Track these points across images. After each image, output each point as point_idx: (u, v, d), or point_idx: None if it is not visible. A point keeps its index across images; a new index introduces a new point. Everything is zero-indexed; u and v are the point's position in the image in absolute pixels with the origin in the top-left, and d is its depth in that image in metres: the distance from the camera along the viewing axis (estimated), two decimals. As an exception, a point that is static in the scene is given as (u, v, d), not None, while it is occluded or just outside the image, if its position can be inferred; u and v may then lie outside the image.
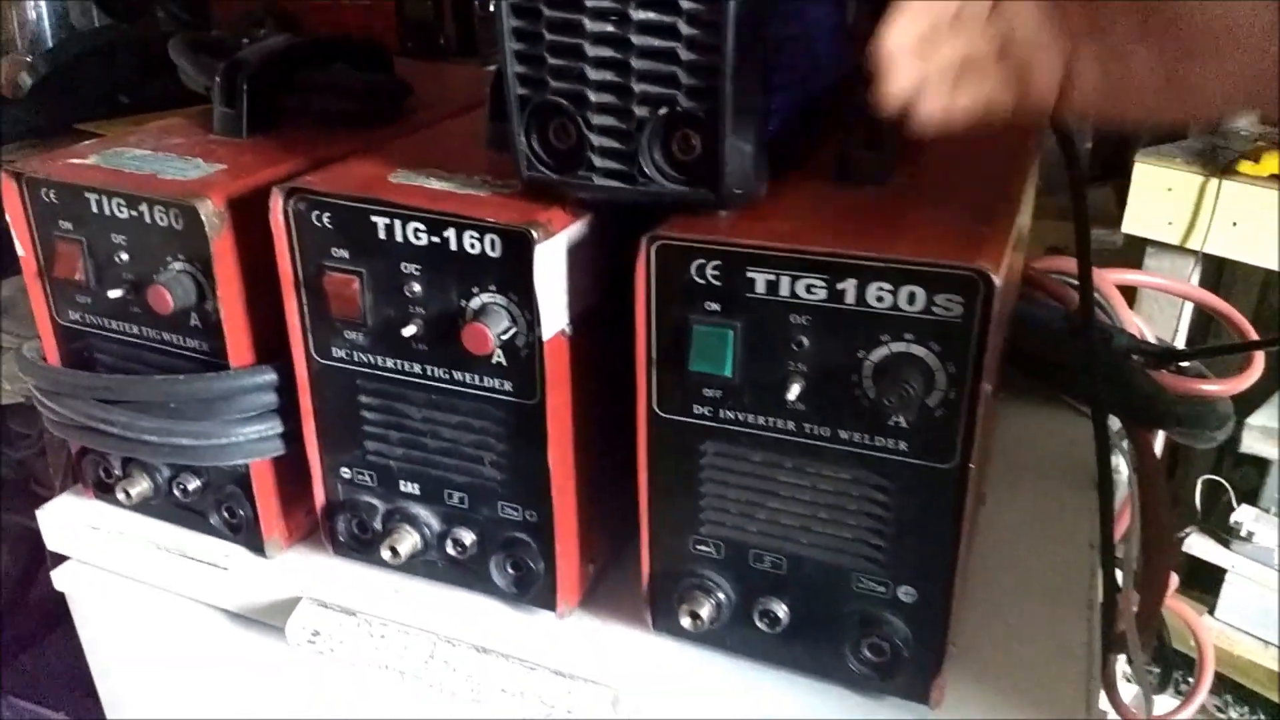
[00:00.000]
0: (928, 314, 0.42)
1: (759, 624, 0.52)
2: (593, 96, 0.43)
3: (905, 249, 0.42)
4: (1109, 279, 0.77)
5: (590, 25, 0.42)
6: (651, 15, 0.41)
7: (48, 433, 1.05)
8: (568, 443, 0.52)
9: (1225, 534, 1.56)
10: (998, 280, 0.39)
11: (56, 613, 1.41)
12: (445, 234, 0.49)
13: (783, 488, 0.49)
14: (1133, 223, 1.43)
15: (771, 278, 0.45)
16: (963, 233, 0.43)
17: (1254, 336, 0.85)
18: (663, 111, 0.43)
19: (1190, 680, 1.44)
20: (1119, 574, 0.68)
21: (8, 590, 1.38)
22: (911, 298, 0.42)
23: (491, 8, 1.50)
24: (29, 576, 1.38)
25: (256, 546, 0.62)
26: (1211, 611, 1.60)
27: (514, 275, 0.48)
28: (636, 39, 0.41)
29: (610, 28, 0.41)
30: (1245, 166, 1.34)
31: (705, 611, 0.52)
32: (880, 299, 0.42)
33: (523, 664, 0.55)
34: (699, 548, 0.52)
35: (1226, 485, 1.57)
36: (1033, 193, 0.61)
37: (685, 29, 0.40)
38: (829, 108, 0.54)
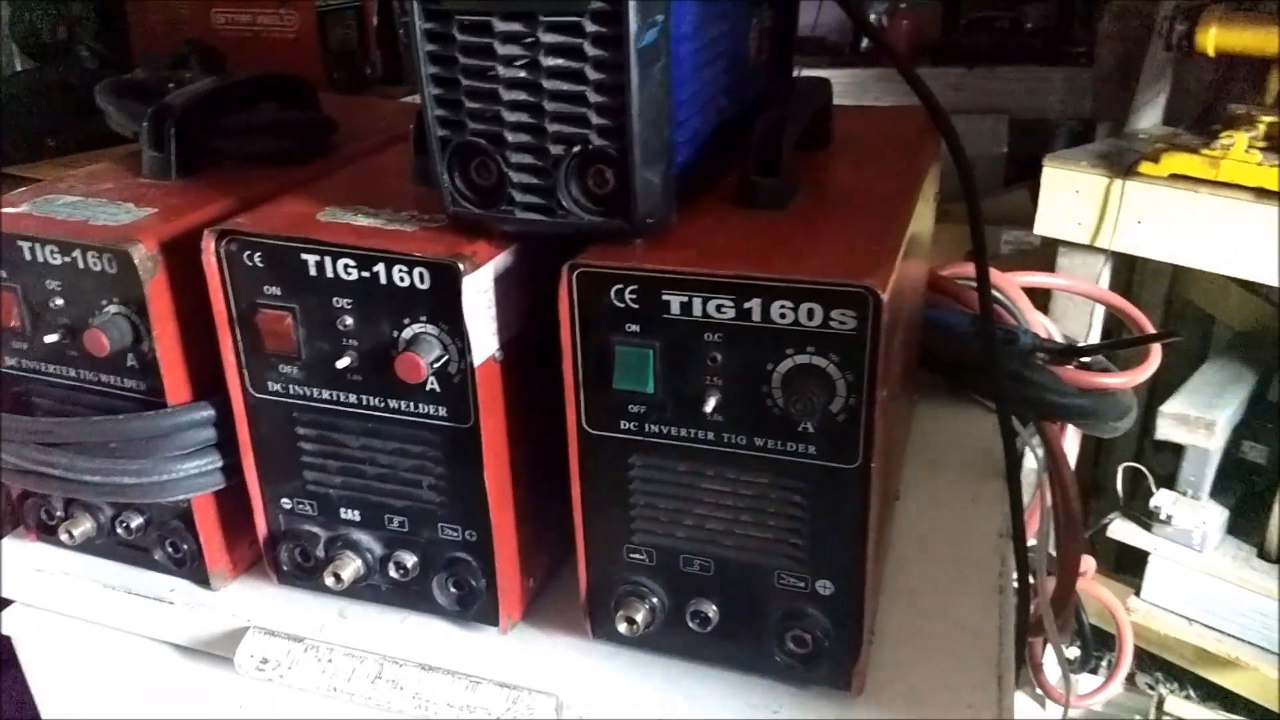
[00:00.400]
0: (825, 328, 0.45)
1: (691, 625, 0.54)
2: (510, 137, 0.46)
3: (803, 269, 0.45)
4: (1012, 281, 0.82)
5: (503, 72, 0.44)
6: (559, 62, 0.44)
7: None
8: (503, 463, 0.55)
9: (1147, 518, 1.63)
10: (885, 296, 0.43)
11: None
12: (375, 269, 0.51)
13: (707, 495, 0.52)
14: (1044, 224, 1.50)
15: (685, 299, 0.48)
16: (855, 252, 0.47)
17: (1152, 330, 0.91)
18: (576, 149, 0.46)
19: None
20: (1031, 560, 0.73)
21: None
22: (810, 314, 0.45)
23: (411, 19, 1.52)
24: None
25: (201, 579, 0.63)
26: (1138, 593, 1.67)
27: (443, 306, 0.50)
28: (547, 84, 0.44)
29: (522, 74, 0.44)
30: (1146, 167, 1.41)
31: (640, 616, 0.54)
32: (783, 316, 0.46)
33: (469, 678, 0.57)
34: (632, 556, 0.55)
35: (1146, 471, 1.64)
36: (931, 205, 0.66)
37: (591, 74, 0.43)
38: (732, 136, 0.58)
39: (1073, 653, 1.47)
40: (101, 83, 0.75)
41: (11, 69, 1.17)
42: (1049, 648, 1.01)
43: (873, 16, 2.43)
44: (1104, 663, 1.61)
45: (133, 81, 0.77)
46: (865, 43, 2.34)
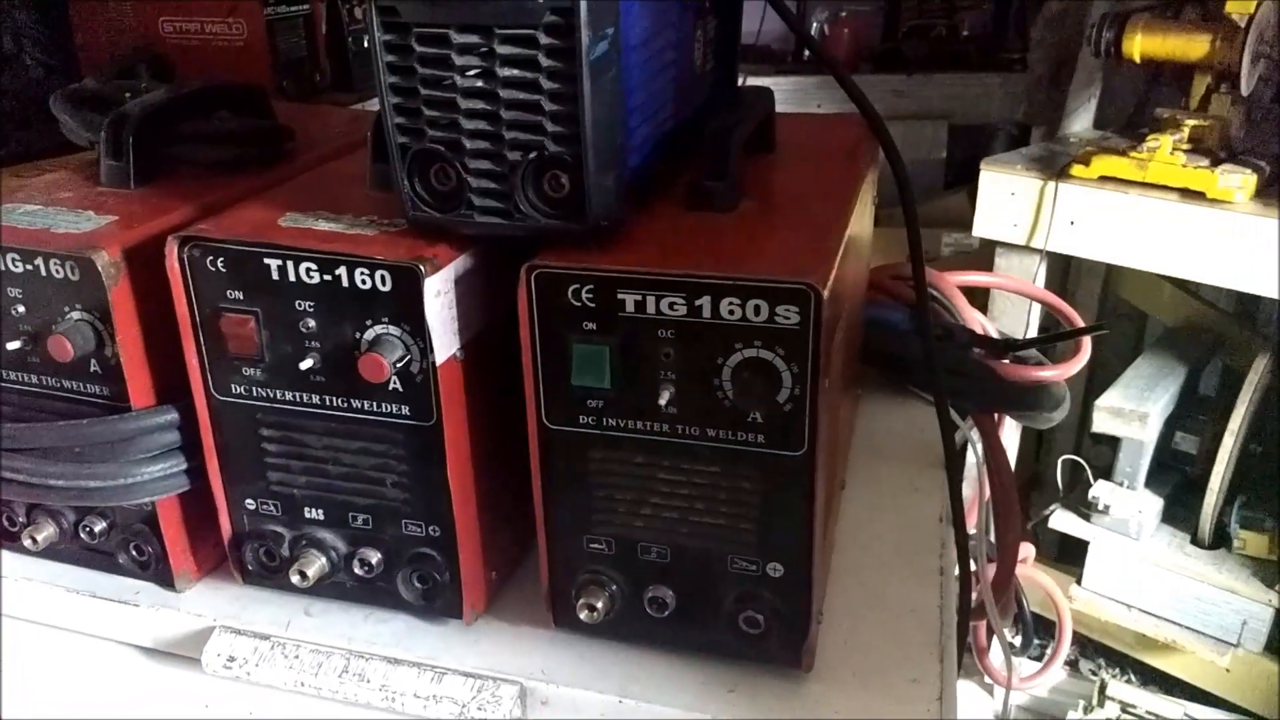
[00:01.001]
0: (771, 323, 0.48)
1: (650, 610, 0.57)
2: (468, 144, 0.48)
3: (750, 268, 0.48)
4: (949, 280, 0.86)
5: (461, 81, 0.46)
6: (515, 72, 0.46)
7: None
8: (465, 460, 0.56)
9: (1086, 508, 1.68)
10: (825, 292, 0.46)
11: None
12: (337, 272, 0.53)
13: (662, 484, 0.54)
14: (982, 226, 1.55)
15: (639, 298, 0.50)
16: (797, 252, 0.50)
17: (1081, 325, 0.95)
18: (532, 155, 0.48)
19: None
20: (971, 547, 0.76)
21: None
22: (757, 310, 0.48)
23: (366, 44, 1.53)
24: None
25: (166, 581, 0.64)
26: (1079, 581, 1.72)
27: (405, 307, 0.52)
28: (503, 93, 0.46)
29: (479, 83, 0.46)
30: (1077, 170, 1.46)
31: (601, 604, 0.56)
32: (732, 312, 0.48)
33: (434, 670, 0.58)
34: (592, 546, 0.57)
35: (1084, 463, 1.70)
36: (870, 208, 0.69)
37: (546, 83, 0.46)
38: (681, 142, 0.60)
39: (1017, 641, 1.52)
40: (56, 92, 0.75)
41: (-45, 79, 1.16)
42: (993, 635, 1.05)
43: (815, 24, 2.49)
44: (1047, 649, 1.67)
45: (88, 90, 0.78)
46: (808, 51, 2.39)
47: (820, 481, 0.51)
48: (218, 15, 1.34)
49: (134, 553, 0.64)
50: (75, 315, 0.58)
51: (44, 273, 0.58)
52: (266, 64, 1.34)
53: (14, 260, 0.58)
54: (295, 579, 0.59)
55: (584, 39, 0.44)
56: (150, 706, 0.67)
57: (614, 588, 0.57)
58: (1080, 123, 1.75)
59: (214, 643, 0.61)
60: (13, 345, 0.60)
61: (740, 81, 0.77)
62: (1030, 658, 1.68)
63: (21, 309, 0.59)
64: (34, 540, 0.64)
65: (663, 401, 0.51)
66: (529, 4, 0.44)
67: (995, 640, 0.96)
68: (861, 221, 0.64)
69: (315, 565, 0.59)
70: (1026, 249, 1.51)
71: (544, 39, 0.45)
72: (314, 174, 0.67)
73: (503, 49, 0.45)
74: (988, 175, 1.53)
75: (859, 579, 0.64)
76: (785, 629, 0.54)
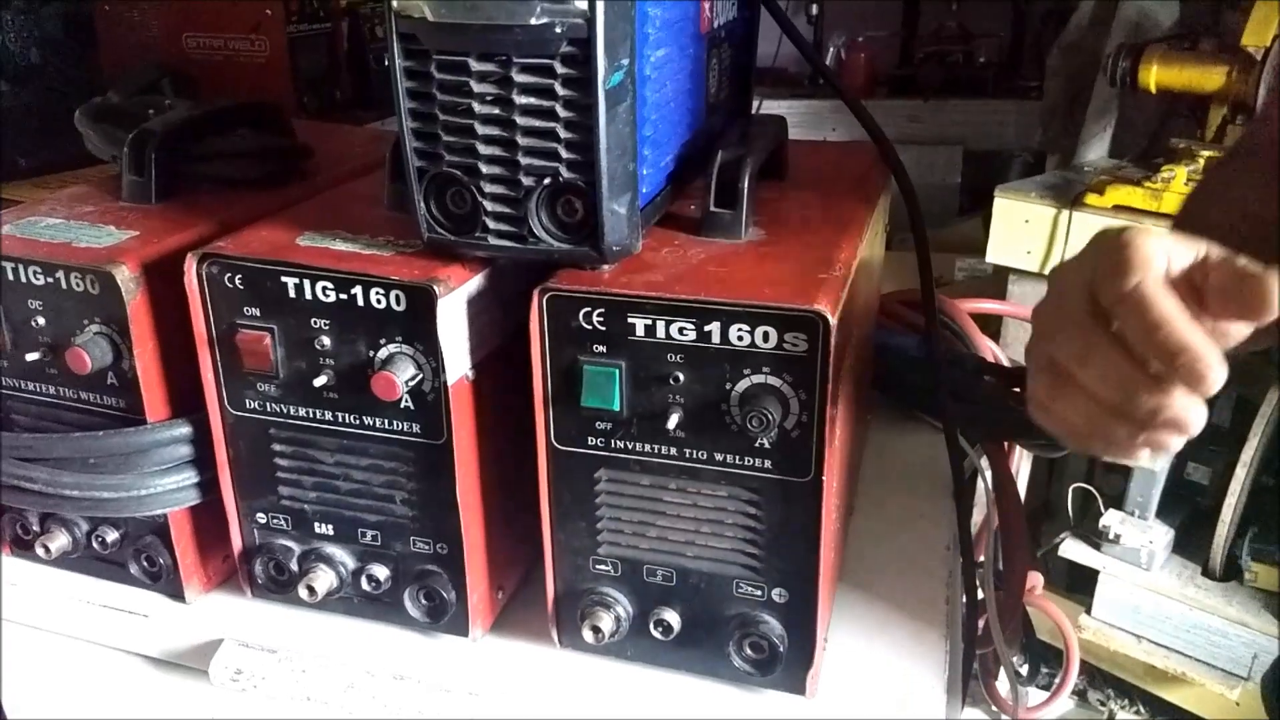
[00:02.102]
0: (780, 350, 0.48)
1: (654, 633, 0.57)
2: (484, 169, 0.49)
3: (759, 295, 0.48)
4: (960, 307, 0.86)
5: (478, 108, 0.47)
6: (532, 100, 0.46)
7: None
8: (474, 478, 0.57)
9: (1096, 538, 1.68)
10: (834, 320, 0.46)
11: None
12: (353, 291, 0.53)
13: (669, 507, 0.55)
14: (995, 253, 1.55)
15: (649, 322, 0.51)
16: (806, 279, 0.50)
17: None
18: (547, 181, 0.49)
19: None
20: (979, 575, 0.76)
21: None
22: (766, 336, 0.48)
23: (386, 62, 1.55)
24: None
25: (176, 593, 0.65)
26: (1089, 611, 1.71)
27: (418, 327, 0.53)
28: (520, 120, 0.47)
29: (496, 110, 0.47)
30: (1091, 198, 1.47)
31: (606, 625, 0.57)
32: (740, 338, 0.49)
33: (438, 687, 0.59)
34: (598, 567, 0.57)
35: (1095, 492, 1.69)
36: (881, 235, 0.69)
37: (562, 112, 0.46)
38: (694, 169, 0.61)
39: (1024, 669, 1.51)
40: (82, 107, 0.77)
41: (-17, 91, 1.18)
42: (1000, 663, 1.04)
43: (831, 48, 2.50)
44: (1055, 678, 1.65)
45: (111, 106, 0.79)
46: (825, 74, 2.40)
47: (827, 507, 0.51)
48: (241, 32, 1.36)
49: (145, 564, 0.65)
50: (94, 328, 0.59)
51: (64, 285, 0.59)
52: (288, 81, 1.36)
53: (35, 273, 0.59)
54: (304, 594, 0.60)
55: (600, 69, 0.45)
56: (158, 717, 0.67)
57: (619, 609, 0.57)
58: (1095, 151, 1.75)
59: (222, 655, 0.62)
60: (32, 356, 0.61)
61: (756, 104, 0.78)
62: (1038, 687, 1.67)
63: (41, 321, 0.60)
64: (47, 549, 0.65)
65: (671, 425, 0.52)
66: (547, 34, 0.44)
67: (1002, 668, 0.95)
68: (872, 249, 0.64)
69: (324, 580, 0.60)
70: (1040, 276, 1.52)
71: (561, 69, 0.45)
72: (332, 193, 0.68)
73: (520, 77, 0.46)
74: (1002, 202, 1.53)
75: (866, 605, 0.64)
76: (790, 655, 0.54)
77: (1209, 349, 0.38)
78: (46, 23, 1.29)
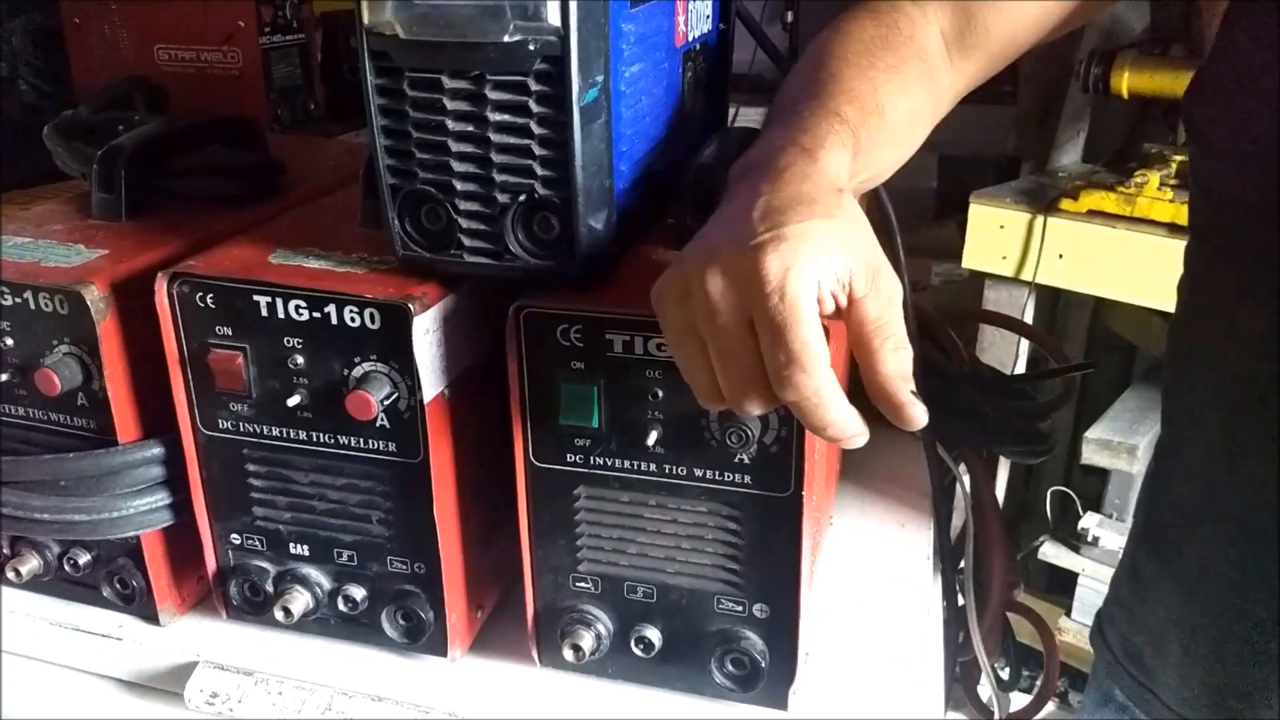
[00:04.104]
0: (758, 366, 0.48)
1: (635, 650, 0.57)
2: (459, 185, 0.49)
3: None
4: (938, 315, 0.86)
5: (452, 125, 0.47)
6: (506, 117, 0.46)
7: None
8: (451, 496, 0.56)
9: (1075, 540, 1.68)
10: (812, 335, 0.46)
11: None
12: (326, 309, 0.53)
13: (649, 524, 0.54)
14: (971, 258, 1.56)
15: (627, 338, 0.50)
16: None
17: (1066, 360, 0.96)
18: (522, 198, 0.48)
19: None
20: (958, 582, 0.76)
21: None
22: (744, 352, 0.48)
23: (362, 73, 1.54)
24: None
25: (150, 615, 0.64)
26: (1068, 613, 1.72)
27: (393, 345, 0.52)
28: (494, 137, 0.47)
29: (470, 127, 0.47)
30: (1066, 204, 1.48)
31: (587, 643, 0.56)
32: (719, 354, 0.49)
33: (417, 708, 0.58)
34: (578, 584, 0.57)
35: (1073, 495, 1.70)
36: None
37: (536, 129, 0.46)
38: (671, 182, 0.61)
39: (1006, 674, 1.51)
40: (50, 123, 0.76)
41: (-50, 105, 1.17)
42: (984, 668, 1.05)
43: (808, 55, 2.51)
44: (1037, 681, 1.66)
45: (81, 121, 0.78)
46: (801, 80, 2.41)
47: (807, 522, 0.51)
48: (214, 44, 1.34)
49: (118, 586, 0.64)
50: (63, 349, 0.58)
51: (33, 306, 0.58)
52: (261, 93, 1.34)
53: (3, 293, 0.58)
54: (279, 615, 0.59)
55: (574, 86, 0.45)
56: (132, 742, 0.67)
57: (600, 627, 0.57)
58: (1069, 156, 1.76)
59: (197, 678, 0.61)
60: (0, 378, 0.60)
61: (732, 112, 0.78)
62: (1020, 690, 1.68)
63: (10, 342, 0.59)
64: (18, 573, 0.64)
65: (650, 441, 0.52)
66: (520, 51, 0.44)
67: (984, 674, 0.96)
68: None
69: (299, 602, 0.59)
70: (1015, 281, 1.52)
71: (535, 85, 0.45)
72: (305, 209, 0.67)
73: (494, 94, 0.46)
74: (977, 208, 1.54)
75: (846, 616, 0.64)
76: (771, 670, 0.54)
77: (851, 422, 0.42)
78: (14, 36, 1.28)
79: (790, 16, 2.51)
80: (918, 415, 0.42)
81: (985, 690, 1.15)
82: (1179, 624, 0.61)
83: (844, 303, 0.41)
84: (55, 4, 1.34)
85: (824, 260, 0.40)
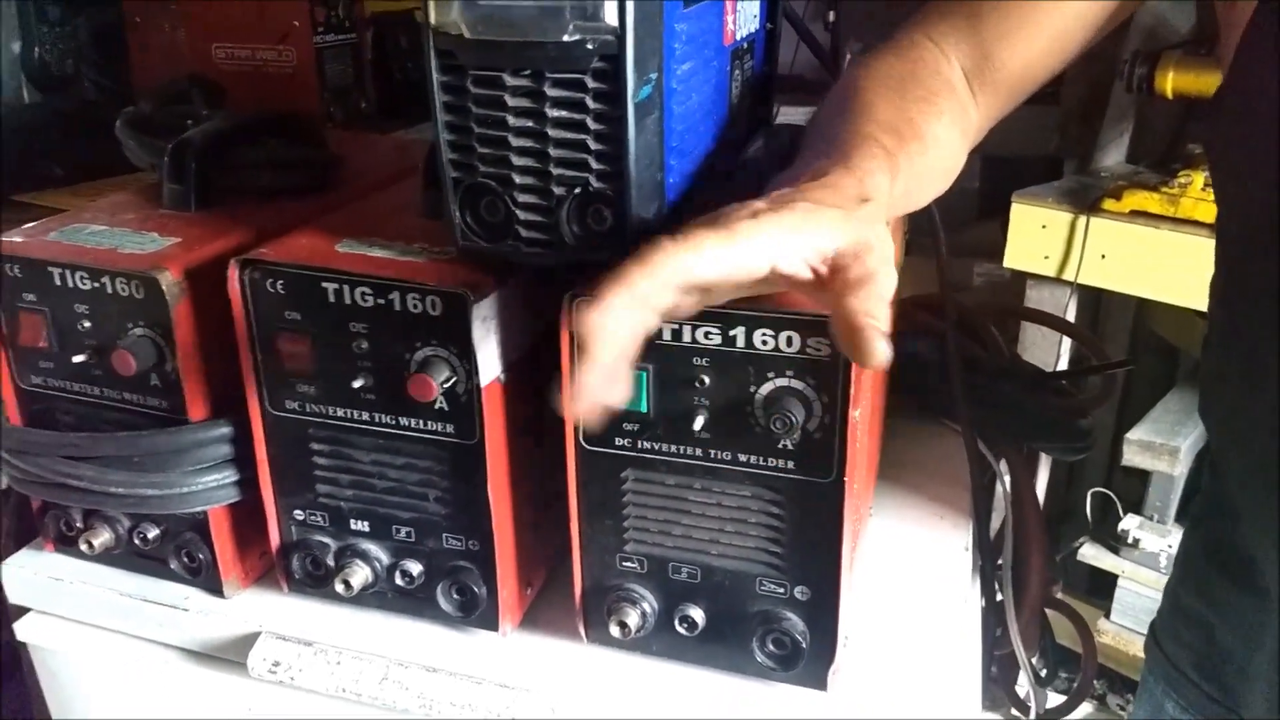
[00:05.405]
0: (803, 354, 0.50)
1: (679, 628, 0.59)
2: (517, 179, 0.51)
3: (783, 301, 0.50)
4: (980, 311, 0.87)
5: (512, 121, 0.49)
6: (563, 113, 0.48)
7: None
8: (505, 477, 0.59)
9: (1115, 542, 1.68)
10: (856, 324, 0.48)
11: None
12: (390, 296, 0.55)
13: (694, 506, 0.56)
14: (1013, 258, 1.56)
15: (676, 327, 0.52)
16: (829, 285, 0.51)
17: (1108, 358, 0.96)
18: (577, 190, 0.50)
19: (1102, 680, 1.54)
20: (997, 577, 0.77)
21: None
22: (789, 341, 0.50)
23: (409, 73, 1.57)
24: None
25: (215, 588, 0.67)
26: (1108, 615, 1.71)
27: (453, 331, 0.55)
28: (552, 132, 0.49)
29: (529, 123, 0.49)
30: (1109, 204, 1.47)
31: (632, 621, 0.58)
32: (765, 343, 0.51)
33: (470, 679, 0.61)
34: (624, 564, 0.59)
35: (1114, 496, 1.70)
36: (901, 240, 0.71)
37: (592, 124, 0.48)
38: (718, 174, 0.62)
39: (1043, 673, 1.51)
40: (121, 118, 0.79)
41: (20, 101, 1.22)
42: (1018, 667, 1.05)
43: (849, 55, 2.51)
44: (1074, 682, 1.65)
45: (150, 116, 0.82)
46: (843, 80, 2.41)
47: (849, 508, 0.52)
48: (269, 43, 1.38)
49: (185, 559, 0.67)
50: (138, 331, 0.61)
51: (110, 290, 0.61)
52: (315, 90, 1.38)
53: (82, 278, 0.62)
54: (340, 588, 0.62)
55: (629, 83, 0.47)
56: (194, 708, 0.70)
57: (645, 606, 0.59)
58: (1113, 157, 1.75)
59: (259, 648, 0.64)
60: (78, 358, 0.63)
61: (775, 111, 0.79)
62: (1056, 691, 1.67)
63: (87, 324, 0.63)
64: (90, 545, 0.67)
65: (696, 426, 0.53)
66: (579, 50, 0.46)
67: (1020, 672, 0.96)
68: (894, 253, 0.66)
69: (359, 575, 0.62)
70: (1057, 281, 1.52)
71: (591, 82, 0.47)
72: (365, 202, 0.70)
73: (553, 91, 0.48)
74: (1019, 208, 1.54)
75: (885, 603, 0.66)
76: (811, 651, 0.56)
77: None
78: (80, 34, 1.32)
79: (832, 16, 2.51)
80: (878, 343, 0.41)
81: (1023, 686, 1.16)
82: (1258, 636, 0.62)
83: (823, 273, 0.43)
84: (118, 4, 1.39)
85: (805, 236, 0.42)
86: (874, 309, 0.41)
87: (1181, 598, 0.70)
